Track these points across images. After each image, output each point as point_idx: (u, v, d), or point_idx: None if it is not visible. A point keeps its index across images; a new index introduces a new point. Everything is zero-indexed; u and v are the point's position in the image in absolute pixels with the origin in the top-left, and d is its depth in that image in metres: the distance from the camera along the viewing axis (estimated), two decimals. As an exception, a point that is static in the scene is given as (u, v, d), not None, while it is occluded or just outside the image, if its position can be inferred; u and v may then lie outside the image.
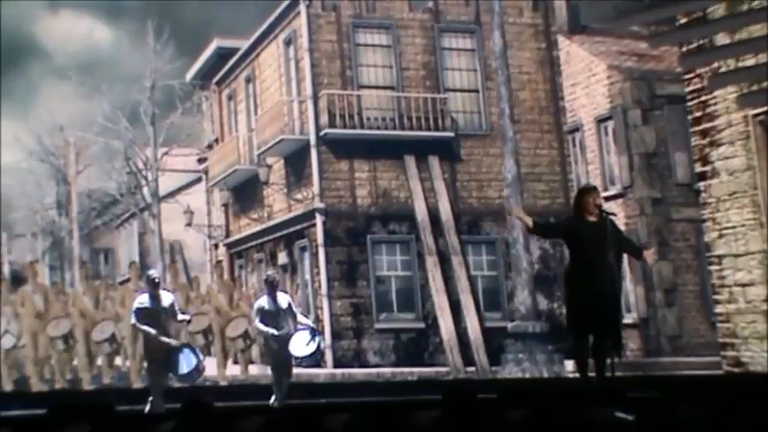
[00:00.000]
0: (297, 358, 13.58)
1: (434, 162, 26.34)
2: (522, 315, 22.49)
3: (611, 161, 27.43)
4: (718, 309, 14.97)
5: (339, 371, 24.33)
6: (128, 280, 24.59)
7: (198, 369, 13.60)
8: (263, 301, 13.74)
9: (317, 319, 24.64)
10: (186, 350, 13.68)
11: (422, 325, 25.62)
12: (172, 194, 36.17)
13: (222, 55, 33.32)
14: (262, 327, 13.63)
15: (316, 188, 25.83)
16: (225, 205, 32.87)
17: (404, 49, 26.80)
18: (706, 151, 14.93)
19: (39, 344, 20.04)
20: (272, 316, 13.57)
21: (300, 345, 13.52)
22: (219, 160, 31.85)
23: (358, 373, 24.25)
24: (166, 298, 13.70)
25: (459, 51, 27.11)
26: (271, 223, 28.71)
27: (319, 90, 26.12)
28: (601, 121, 27.70)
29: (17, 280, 25.85)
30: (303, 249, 26.92)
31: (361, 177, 26.12)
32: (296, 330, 13.67)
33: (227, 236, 32.71)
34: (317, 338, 13.67)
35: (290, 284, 26.88)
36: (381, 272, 25.95)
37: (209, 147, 34.70)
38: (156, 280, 13.63)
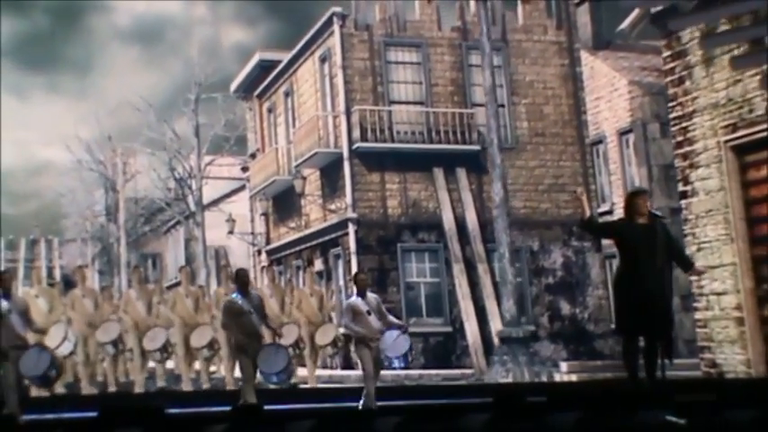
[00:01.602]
0: (388, 358, 13.61)
1: (462, 174, 28.17)
2: (508, 321, 23.68)
3: (632, 172, 29.24)
4: (697, 315, 16.80)
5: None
6: (177, 284, 24.94)
7: (288, 369, 13.97)
8: (354, 302, 13.74)
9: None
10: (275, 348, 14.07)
11: (449, 329, 27.30)
12: (215, 203, 38.41)
13: (264, 67, 35.35)
14: (353, 327, 13.62)
15: (348, 199, 27.74)
16: (265, 214, 34.94)
17: (433, 66, 28.68)
18: (687, 172, 16.81)
19: (89, 347, 20.08)
20: (362, 316, 13.58)
21: (392, 344, 13.60)
22: (260, 170, 33.99)
23: (387, 374, 26.11)
24: (255, 297, 13.90)
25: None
26: (307, 232, 30.61)
27: (352, 105, 27.97)
28: (622, 133, 29.56)
29: (67, 284, 26.19)
30: (337, 257, 28.89)
31: (392, 188, 27.96)
32: (387, 330, 13.69)
33: (268, 243, 34.85)
34: (408, 337, 13.77)
35: (325, 290, 28.88)
36: (411, 278, 27.71)
37: (252, 156, 36.89)
38: (246, 278, 13.95)
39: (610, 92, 29.89)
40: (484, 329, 26.83)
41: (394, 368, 14.39)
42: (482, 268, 27.57)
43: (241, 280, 13.84)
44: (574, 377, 19.42)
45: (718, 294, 16.12)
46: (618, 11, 21.29)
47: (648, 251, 10.72)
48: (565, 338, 28.23)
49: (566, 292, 28.56)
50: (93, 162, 40.90)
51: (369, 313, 13.55)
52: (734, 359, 16.00)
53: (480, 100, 28.32)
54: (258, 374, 13.90)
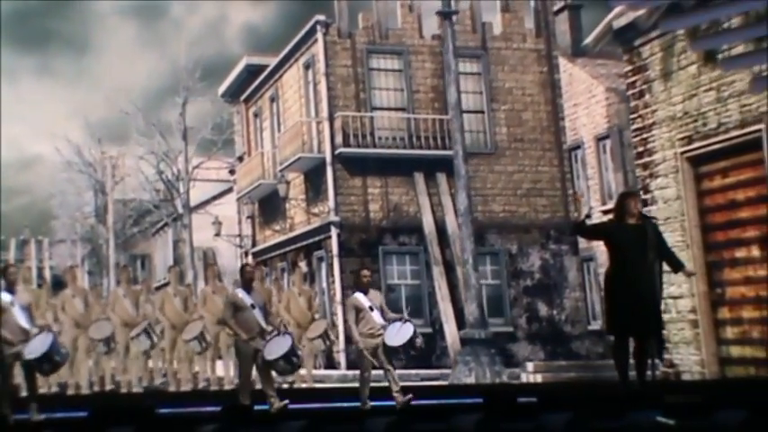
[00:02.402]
0: (393, 348, 13.52)
1: (442, 179, 29.04)
2: (471, 324, 24.02)
3: (609, 177, 30.25)
4: (656, 318, 17.95)
5: (351, 372, 27.13)
6: (166, 284, 24.81)
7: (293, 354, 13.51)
8: (357, 299, 13.84)
9: (333, 325, 27.34)
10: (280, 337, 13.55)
11: (429, 330, 27.88)
12: (203, 205, 39.37)
13: (251, 72, 36.11)
14: (351, 329, 13.77)
15: (331, 203, 28.66)
16: (251, 216, 35.86)
17: (414, 73, 29.60)
18: (647, 182, 17.80)
19: (80, 347, 19.96)
20: (365, 312, 13.63)
21: (396, 334, 13.52)
22: (246, 174, 34.94)
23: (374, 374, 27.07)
24: (259, 294, 13.97)
25: (466, 75, 29.76)
26: (292, 234, 31.55)
27: (335, 111, 28.89)
28: (600, 139, 30.58)
29: (58, 284, 25.77)
30: (320, 259, 29.79)
31: (374, 193, 28.89)
32: (389, 323, 13.67)
33: (254, 245, 35.80)
34: (410, 326, 13.63)
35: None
36: (392, 280, 28.61)
37: (240, 159, 37.83)
38: (251, 275, 13.94)
39: (588, 98, 30.89)
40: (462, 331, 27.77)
41: (401, 359, 14.12)
42: (461, 271, 28.41)
43: (246, 276, 13.88)
44: (539, 377, 20.30)
45: (675, 298, 17.07)
46: (597, 18, 22.19)
47: (639, 252, 10.82)
48: (542, 339, 29.17)
49: (543, 294, 29.51)
50: (82, 164, 41.82)
51: (371, 309, 13.65)
52: (689, 359, 17.00)
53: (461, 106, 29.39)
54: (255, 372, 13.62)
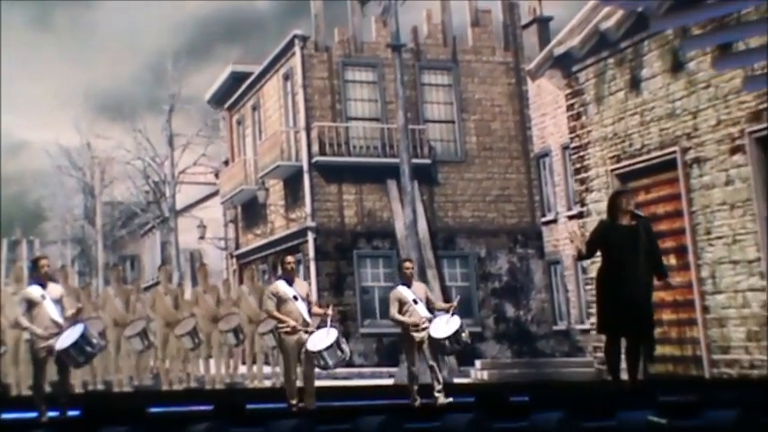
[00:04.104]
0: (439, 340, 13.53)
1: (414, 186, 30.95)
2: None
3: (574, 184, 32.30)
4: (591, 319, 20.17)
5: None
6: (156, 284, 25.33)
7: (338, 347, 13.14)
8: (400, 292, 13.87)
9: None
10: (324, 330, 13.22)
11: (401, 330, 30.20)
12: (189, 208, 41.34)
13: (237, 79, 37.70)
14: (398, 317, 13.81)
15: (308, 208, 30.53)
16: (233, 220, 37.88)
17: (388, 85, 31.31)
18: (583, 195, 20.06)
19: None
20: (409, 305, 13.74)
21: (443, 327, 13.55)
22: (229, 179, 36.89)
23: (342, 372, 28.91)
24: (301, 286, 13.77)
25: (438, 87, 31.91)
26: (272, 238, 33.38)
27: (312, 121, 30.80)
28: (566, 147, 32.53)
29: None
30: (298, 262, 31.86)
31: (349, 199, 30.77)
32: (435, 316, 13.75)
33: (237, 248, 37.87)
34: (457, 319, 13.61)
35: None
36: (366, 283, 30.39)
37: (226, 163, 39.82)
38: (291, 266, 13.67)
39: (555, 108, 32.77)
40: (432, 330, 29.80)
41: (446, 353, 14.36)
42: (431, 273, 30.42)
43: (286, 267, 13.60)
44: (485, 374, 22.28)
45: (608, 301, 19.27)
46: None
47: (632, 252, 10.95)
48: (509, 339, 31.02)
49: (511, 295, 31.41)
50: (72, 168, 43.71)
51: (415, 302, 13.76)
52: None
53: (431, 116, 31.51)
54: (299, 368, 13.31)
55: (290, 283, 13.41)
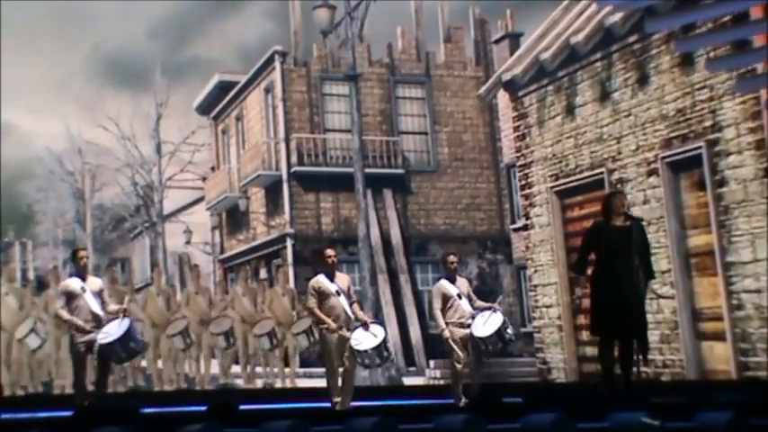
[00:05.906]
0: (480, 339, 13.16)
1: (388, 194, 33.19)
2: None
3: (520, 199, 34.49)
4: (535, 323, 22.63)
5: (302, 369, 30.96)
6: (147, 285, 26.39)
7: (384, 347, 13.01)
8: (445, 286, 13.58)
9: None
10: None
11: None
12: (176, 213, 43.49)
13: (223, 88, 39.37)
14: (441, 321, 13.44)
15: (287, 216, 32.77)
16: (218, 226, 40.14)
17: (364, 98, 33.29)
18: (527, 210, 22.50)
19: (62, 345, 20.27)
20: (453, 300, 13.39)
21: (484, 325, 13.21)
22: (214, 187, 38.94)
23: (318, 371, 31.07)
24: (342, 279, 13.51)
25: (411, 100, 34.24)
26: (254, 244, 35.53)
27: (291, 133, 32.99)
28: (512, 166, 34.62)
29: (41, 284, 27.17)
30: (279, 267, 34.10)
31: (326, 207, 32.96)
32: (478, 313, 13.44)
33: (222, 252, 40.10)
34: (499, 315, 13.33)
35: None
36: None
37: (213, 169, 41.98)
38: (333, 260, 13.46)
39: (523, 121, 35.27)
40: (404, 333, 31.98)
41: (488, 351, 13.53)
42: (403, 278, 32.72)
43: (327, 261, 13.40)
44: (438, 373, 24.46)
45: (547, 307, 21.77)
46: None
47: (626, 252, 11.08)
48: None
49: (480, 299, 33.54)
50: (63, 173, 45.86)
51: (459, 297, 13.43)
52: (557, 358, 21.70)
53: (405, 128, 33.85)
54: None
55: (332, 278, 13.30)
